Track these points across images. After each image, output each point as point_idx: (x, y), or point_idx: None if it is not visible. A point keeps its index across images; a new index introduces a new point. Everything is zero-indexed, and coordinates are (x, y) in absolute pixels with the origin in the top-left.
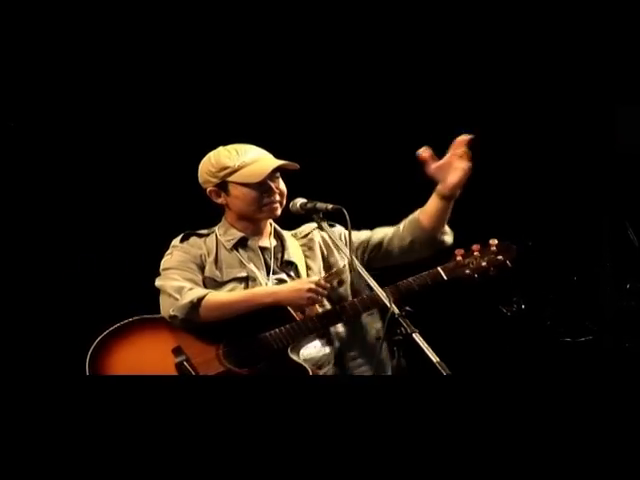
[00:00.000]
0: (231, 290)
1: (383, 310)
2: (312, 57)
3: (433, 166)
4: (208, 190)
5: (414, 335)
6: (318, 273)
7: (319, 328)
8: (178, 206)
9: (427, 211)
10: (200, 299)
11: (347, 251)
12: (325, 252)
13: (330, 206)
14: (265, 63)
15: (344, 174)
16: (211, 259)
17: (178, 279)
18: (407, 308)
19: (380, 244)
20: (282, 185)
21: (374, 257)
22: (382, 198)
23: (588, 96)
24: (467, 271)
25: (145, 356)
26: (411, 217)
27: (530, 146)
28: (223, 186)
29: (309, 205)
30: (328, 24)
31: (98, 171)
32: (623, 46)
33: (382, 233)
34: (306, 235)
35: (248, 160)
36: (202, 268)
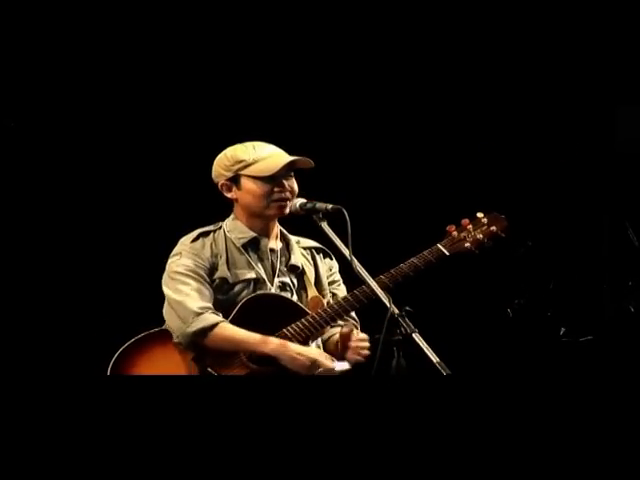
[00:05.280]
0: (240, 291)
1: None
2: (316, 58)
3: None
4: (220, 184)
5: (414, 335)
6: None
7: (335, 317)
8: (177, 206)
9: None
10: (206, 329)
11: (346, 251)
12: (317, 276)
13: (330, 206)
14: (270, 64)
15: (344, 174)
16: (223, 259)
17: (187, 292)
18: (407, 308)
19: None
20: (295, 185)
21: None
22: (382, 198)
23: (588, 96)
24: (467, 244)
25: (161, 369)
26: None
27: (530, 146)
28: (235, 180)
29: (308, 205)
30: (335, 28)
31: (98, 171)
32: (623, 46)
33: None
34: (308, 248)
35: (264, 155)
36: (212, 270)
